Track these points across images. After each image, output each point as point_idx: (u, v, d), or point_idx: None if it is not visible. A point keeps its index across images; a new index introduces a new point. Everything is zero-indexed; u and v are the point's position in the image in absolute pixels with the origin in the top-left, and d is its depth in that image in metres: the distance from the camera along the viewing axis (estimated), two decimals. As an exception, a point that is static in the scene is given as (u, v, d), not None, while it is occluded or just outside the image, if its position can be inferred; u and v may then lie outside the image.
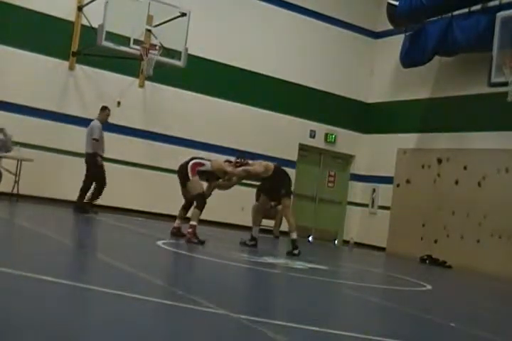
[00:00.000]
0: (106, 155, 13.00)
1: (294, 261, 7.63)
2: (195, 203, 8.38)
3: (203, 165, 8.39)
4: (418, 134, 14.87)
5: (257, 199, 12.20)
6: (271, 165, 8.66)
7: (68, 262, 4.82)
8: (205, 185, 8.57)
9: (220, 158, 9.07)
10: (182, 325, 3.10)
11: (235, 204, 13.47)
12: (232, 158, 8.80)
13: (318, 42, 15.72)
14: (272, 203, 12.17)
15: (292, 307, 4.24)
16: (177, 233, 8.62)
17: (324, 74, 15.70)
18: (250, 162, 8.66)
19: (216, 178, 8.62)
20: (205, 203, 8.27)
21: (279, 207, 13.28)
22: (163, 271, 5.54)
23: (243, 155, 8.90)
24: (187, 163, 8.44)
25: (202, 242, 7.94)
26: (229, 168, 8.47)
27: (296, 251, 8.31)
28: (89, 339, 2.55)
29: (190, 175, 8.28)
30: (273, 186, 8.67)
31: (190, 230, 7.97)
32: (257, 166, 8.54)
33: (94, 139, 10.93)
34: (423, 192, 14.18)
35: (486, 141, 13.10)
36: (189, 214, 8.54)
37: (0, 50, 11.83)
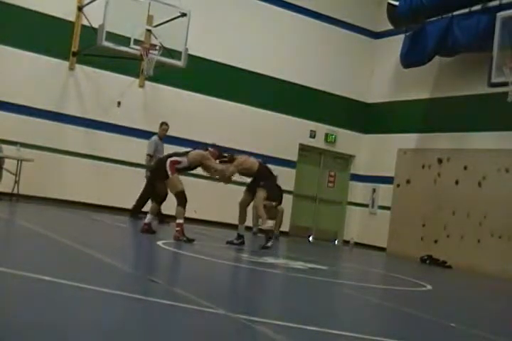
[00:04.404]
0: (106, 155, 13.05)
1: (294, 261, 7.63)
2: (176, 201, 8.19)
3: (179, 162, 8.20)
4: (418, 134, 14.87)
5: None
6: (256, 162, 8.62)
7: (68, 262, 4.81)
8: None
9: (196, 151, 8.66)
10: (182, 325, 3.10)
11: (235, 204, 13.45)
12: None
13: (318, 42, 15.72)
14: (273, 203, 12.15)
15: (292, 307, 4.23)
16: (149, 230, 8.40)
17: (324, 74, 15.70)
18: (238, 157, 8.62)
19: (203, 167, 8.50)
20: (186, 200, 8.13)
21: (280, 207, 13.32)
22: (163, 270, 5.54)
23: (220, 149, 8.77)
24: (165, 160, 8.25)
25: (190, 240, 7.89)
26: (205, 155, 8.33)
27: (269, 243, 8.15)
28: (88, 339, 2.55)
29: (169, 173, 8.09)
30: (254, 180, 8.60)
31: (178, 229, 7.94)
32: (243, 161, 8.53)
33: (148, 155, 11.31)
34: (423, 192, 14.18)
35: (486, 141, 13.10)
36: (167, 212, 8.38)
37: (0, 50, 11.84)
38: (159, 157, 11.05)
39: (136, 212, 11.40)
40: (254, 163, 8.62)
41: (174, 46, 12.17)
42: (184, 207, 8.15)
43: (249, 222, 12.77)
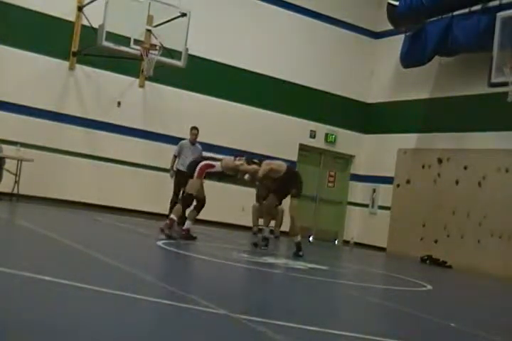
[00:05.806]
0: (106, 155, 13.03)
1: (294, 261, 7.63)
2: (181, 200, 8.71)
3: (213, 166, 8.48)
4: (418, 134, 14.87)
5: (258, 200, 12.20)
6: (283, 164, 8.62)
7: (68, 262, 4.81)
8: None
9: (228, 157, 8.95)
10: (182, 325, 3.10)
11: (235, 204, 13.48)
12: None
13: (318, 43, 15.71)
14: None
15: (292, 307, 4.23)
16: (189, 236, 8.59)
17: (324, 74, 15.69)
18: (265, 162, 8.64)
19: (228, 176, 8.76)
20: (189, 204, 8.58)
21: (280, 207, 13.31)
22: (163, 270, 5.55)
23: (243, 155, 8.91)
24: (199, 161, 8.58)
25: (171, 237, 8.02)
26: (238, 163, 8.49)
27: (301, 253, 8.33)
28: (88, 339, 2.55)
29: (196, 174, 8.40)
30: (283, 186, 8.51)
31: (167, 222, 8.28)
32: (271, 162, 8.61)
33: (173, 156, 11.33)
34: (423, 192, 14.17)
35: (486, 141, 13.09)
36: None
37: (0, 50, 11.84)
38: (184, 159, 11.11)
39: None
40: (281, 164, 8.62)
41: (174, 46, 12.16)
42: (184, 208, 8.64)
43: (248, 222, 12.81)
